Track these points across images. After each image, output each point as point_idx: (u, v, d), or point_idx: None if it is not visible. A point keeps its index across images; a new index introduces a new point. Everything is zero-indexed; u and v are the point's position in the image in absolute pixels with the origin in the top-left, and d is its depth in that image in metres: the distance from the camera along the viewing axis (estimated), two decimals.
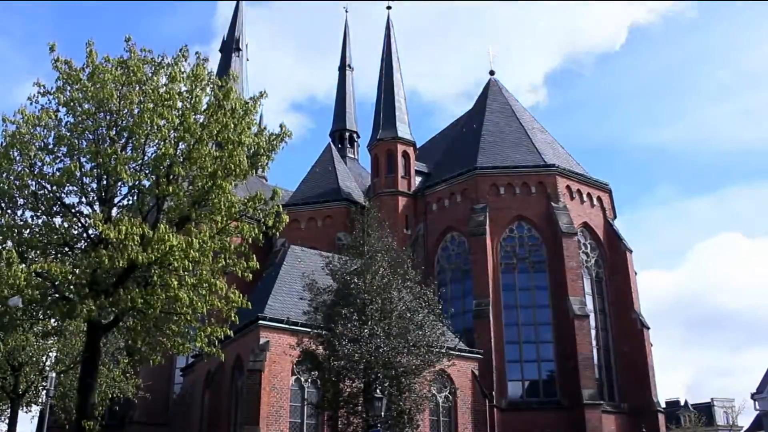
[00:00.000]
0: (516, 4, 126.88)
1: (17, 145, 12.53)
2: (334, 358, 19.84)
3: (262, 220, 13.51)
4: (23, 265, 11.94)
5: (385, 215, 29.36)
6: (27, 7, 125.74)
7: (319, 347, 21.13)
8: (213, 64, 14.46)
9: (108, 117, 12.91)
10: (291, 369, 24.47)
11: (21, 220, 12.94)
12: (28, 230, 12.73)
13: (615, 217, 38.97)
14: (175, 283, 12.13)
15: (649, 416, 33.06)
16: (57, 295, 12.50)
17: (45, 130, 12.92)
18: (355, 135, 54.94)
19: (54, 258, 12.77)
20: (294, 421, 24.38)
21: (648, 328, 35.15)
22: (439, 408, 27.46)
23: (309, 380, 24.49)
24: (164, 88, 13.03)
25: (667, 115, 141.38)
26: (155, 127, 12.44)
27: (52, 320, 15.04)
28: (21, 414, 23.21)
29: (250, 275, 13.31)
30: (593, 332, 33.90)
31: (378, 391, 18.73)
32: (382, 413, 18.61)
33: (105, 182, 12.96)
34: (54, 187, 12.80)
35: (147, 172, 12.98)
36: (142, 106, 12.65)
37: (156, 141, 12.75)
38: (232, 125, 12.98)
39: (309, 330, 21.84)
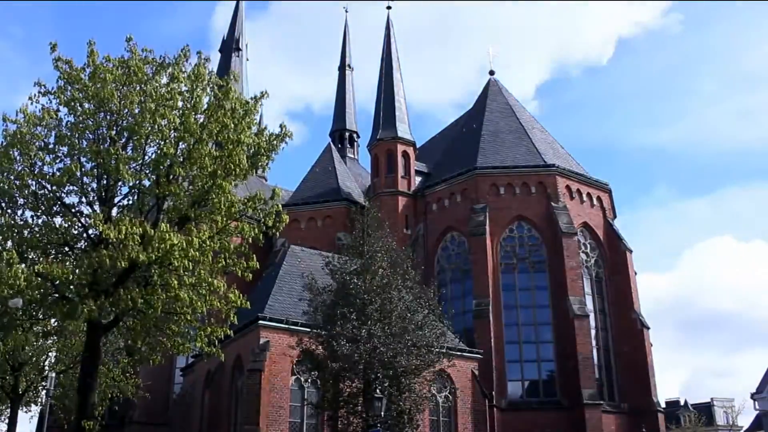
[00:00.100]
0: (509, 16, 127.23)
1: (18, 144, 12.52)
2: (334, 358, 19.85)
3: (262, 220, 13.51)
4: (23, 265, 11.94)
5: (385, 215, 29.39)
6: (27, 7, 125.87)
7: (319, 347, 21.14)
8: (213, 65, 14.43)
9: (109, 117, 12.90)
10: (291, 369, 24.46)
11: (21, 220, 12.93)
12: (28, 230, 12.72)
13: (615, 217, 38.98)
14: (176, 282, 12.14)
15: (649, 416, 33.07)
16: (57, 296, 12.49)
17: (45, 130, 12.92)
18: (355, 135, 54.92)
19: (54, 258, 12.76)
20: (294, 421, 24.37)
21: (648, 328, 35.16)
22: (439, 408, 27.44)
23: (309, 380, 24.48)
24: (165, 87, 13.03)
25: (668, 116, 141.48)
26: (156, 126, 12.45)
27: (52, 320, 15.03)
28: (21, 414, 23.23)
29: (250, 275, 13.31)
30: (593, 332, 33.90)
31: (378, 391, 18.74)
32: (382, 413, 18.62)
33: (105, 182, 12.96)
34: (54, 187, 12.78)
35: (147, 171, 12.97)
36: (142, 105, 12.64)
37: (156, 141, 12.75)
38: (232, 125, 12.98)
39: (309, 330, 21.85)
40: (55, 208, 13.04)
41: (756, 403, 35.66)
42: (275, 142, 13.71)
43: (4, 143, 12.67)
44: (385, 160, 40.00)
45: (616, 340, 35.32)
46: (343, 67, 58.07)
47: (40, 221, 12.93)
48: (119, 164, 12.18)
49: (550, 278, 34.63)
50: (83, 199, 13.02)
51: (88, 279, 12.13)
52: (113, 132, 12.86)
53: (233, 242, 13.21)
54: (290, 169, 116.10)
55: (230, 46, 56.73)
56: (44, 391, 21.63)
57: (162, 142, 12.59)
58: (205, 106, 13.32)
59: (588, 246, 36.69)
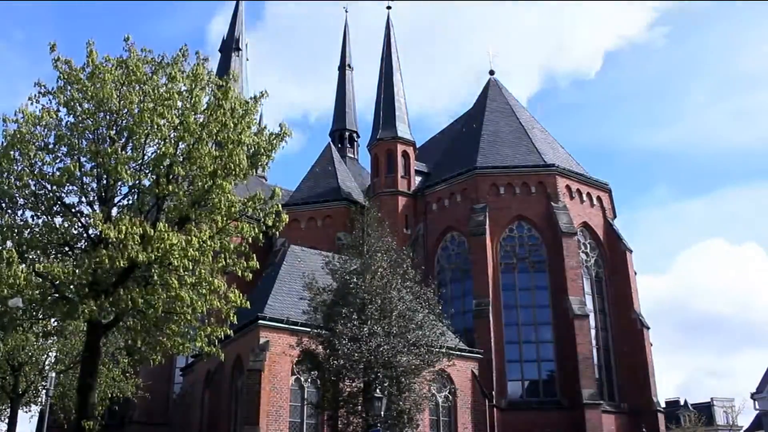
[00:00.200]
0: (502, 22, 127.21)
1: (17, 144, 12.52)
2: (334, 357, 19.86)
3: (262, 219, 13.52)
4: (23, 265, 11.95)
5: (384, 215, 29.41)
6: (27, 7, 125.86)
7: (319, 347, 21.16)
8: (213, 65, 14.43)
9: (108, 117, 12.90)
10: (291, 369, 24.48)
11: (21, 220, 12.93)
12: (28, 230, 12.72)
13: (615, 216, 38.97)
14: (176, 282, 12.14)
15: (649, 416, 33.06)
16: (57, 295, 12.50)
17: (45, 130, 12.92)
18: (355, 135, 54.93)
19: (54, 258, 12.77)
20: (294, 420, 24.39)
21: (648, 328, 35.14)
22: (439, 408, 27.46)
23: (309, 380, 24.50)
24: (164, 87, 13.04)
25: (667, 117, 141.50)
26: (155, 126, 12.44)
27: (52, 320, 15.03)
28: (21, 414, 23.26)
29: (250, 275, 13.31)
30: (593, 332, 33.91)
31: (378, 390, 18.74)
32: (382, 413, 18.62)
33: (105, 182, 12.96)
34: (54, 187, 12.78)
35: (147, 171, 12.97)
36: (142, 105, 12.64)
37: (156, 141, 12.75)
38: (232, 125, 12.99)
39: (309, 330, 21.85)
40: (55, 208, 13.04)
41: (756, 403, 35.77)
42: (275, 141, 13.71)
43: (4, 143, 12.67)
44: (385, 160, 40.01)
45: (616, 340, 35.31)
46: (343, 67, 58.11)
47: (40, 221, 12.93)
48: (119, 164, 12.18)
49: (550, 278, 34.63)
50: (83, 199, 13.03)
51: (88, 279, 12.13)
52: (113, 132, 12.87)
53: (233, 242, 13.21)
54: (290, 169, 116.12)
55: (230, 45, 56.74)
56: (44, 391, 21.63)
57: (161, 142, 12.59)
58: (205, 106, 13.33)
59: (588, 246, 36.69)
